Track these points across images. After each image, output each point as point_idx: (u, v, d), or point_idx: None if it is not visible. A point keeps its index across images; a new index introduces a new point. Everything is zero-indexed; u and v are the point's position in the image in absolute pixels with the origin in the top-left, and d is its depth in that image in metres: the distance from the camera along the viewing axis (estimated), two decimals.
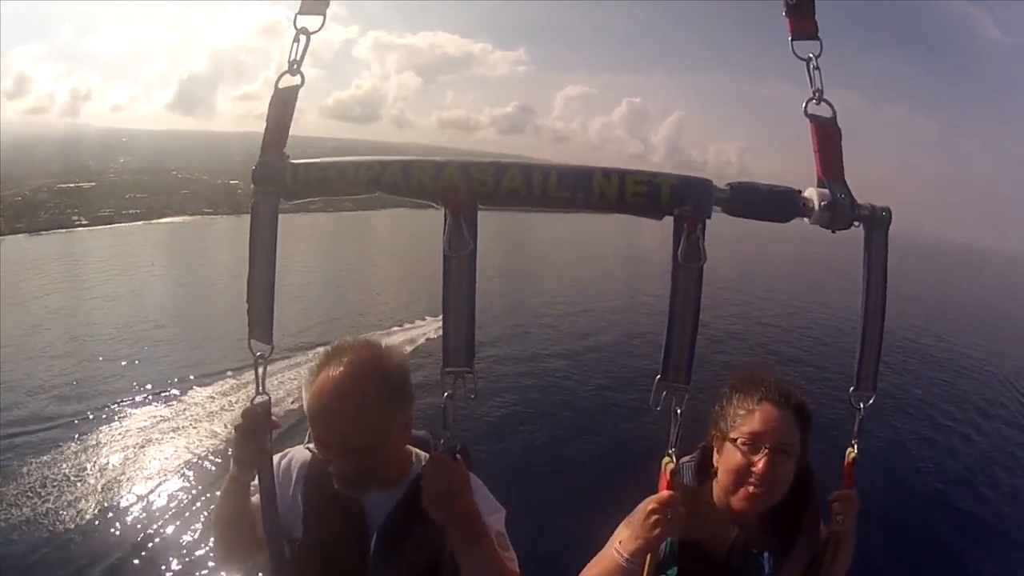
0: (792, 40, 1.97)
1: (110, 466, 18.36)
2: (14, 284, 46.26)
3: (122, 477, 17.56)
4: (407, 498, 2.22)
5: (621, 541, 2.14)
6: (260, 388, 2.09)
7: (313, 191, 1.93)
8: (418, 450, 2.41)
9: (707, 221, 1.77)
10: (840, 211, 1.85)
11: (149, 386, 24.68)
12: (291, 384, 20.63)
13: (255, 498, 2.25)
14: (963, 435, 22.44)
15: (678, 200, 1.74)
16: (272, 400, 2.15)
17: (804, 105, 1.95)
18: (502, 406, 23.28)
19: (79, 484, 17.05)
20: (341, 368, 2.08)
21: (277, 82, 2.04)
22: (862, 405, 2.04)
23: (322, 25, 2.06)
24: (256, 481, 2.21)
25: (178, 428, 20.98)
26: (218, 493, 2.40)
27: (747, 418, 2.27)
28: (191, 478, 17.48)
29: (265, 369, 2.06)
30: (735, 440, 2.26)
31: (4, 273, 50.05)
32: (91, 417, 21.90)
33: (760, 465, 2.18)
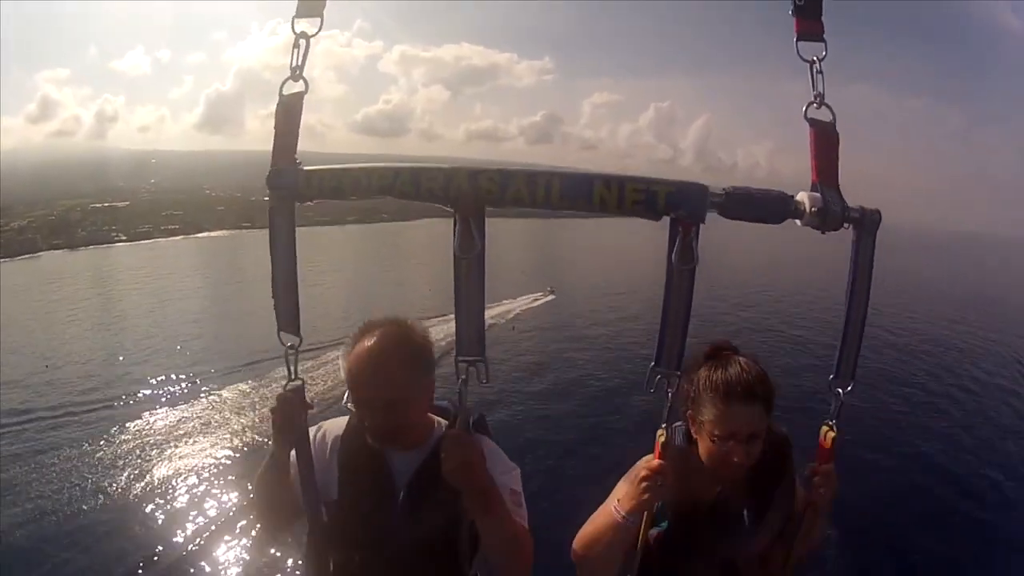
0: (797, 40, 2.02)
1: (141, 453, 19.27)
2: (61, 293, 48.51)
3: (151, 462, 18.41)
4: (429, 459, 2.43)
5: (619, 499, 2.37)
6: (293, 375, 2.30)
7: (326, 195, 2.05)
8: (438, 417, 2.64)
9: (702, 225, 1.88)
10: (831, 214, 1.91)
11: (188, 376, 26.29)
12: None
13: (293, 471, 2.46)
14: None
15: (674, 205, 1.84)
16: (306, 385, 2.36)
17: (804, 108, 2.01)
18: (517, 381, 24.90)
19: (109, 469, 17.99)
20: (375, 338, 2.34)
21: (281, 89, 2.14)
22: (840, 391, 2.16)
23: (320, 28, 2.15)
24: (294, 457, 2.44)
25: (211, 422, 21.80)
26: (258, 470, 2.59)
27: (719, 417, 2.44)
28: (216, 466, 18.12)
29: (296, 358, 2.28)
30: (711, 435, 2.46)
31: (49, 285, 52.58)
32: (131, 402, 23.42)
33: (737, 455, 2.41)
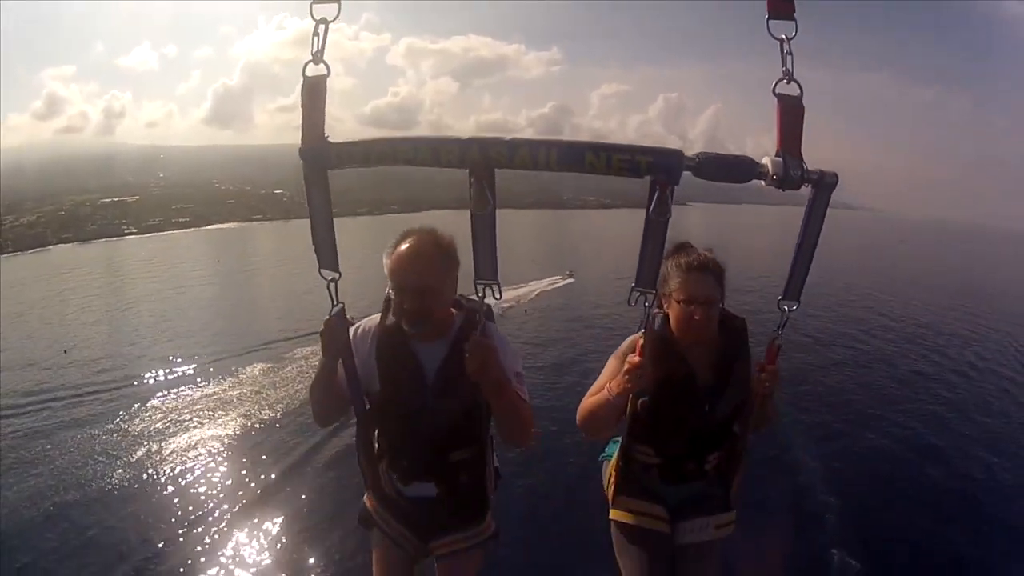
0: (768, 19, 2.13)
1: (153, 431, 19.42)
2: (73, 283, 48.98)
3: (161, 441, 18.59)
4: (452, 352, 2.90)
5: (609, 384, 2.96)
6: (335, 301, 2.66)
7: (356, 162, 2.33)
8: (456, 311, 3.04)
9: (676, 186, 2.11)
10: (789, 177, 2.09)
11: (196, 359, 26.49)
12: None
13: (340, 374, 2.88)
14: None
15: (653, 168, 2.06)
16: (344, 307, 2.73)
17: (773, 84, 2.13)
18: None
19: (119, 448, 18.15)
20: (412, 239, 2.79)
21: (303, 71, 2.26)
22: (787, 308, 2.53)
23: (338, 13, 2.25)
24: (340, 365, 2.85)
25: (228, 401, 21.79)
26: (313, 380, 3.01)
27: (682, 283, 3.02)
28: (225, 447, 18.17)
29: (336, 288, 2.60)
30: (677, 300, 3.04)
31: (61, 276, 53.15)
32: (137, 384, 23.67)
33: (698, 316, 2.99)
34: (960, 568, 11.57)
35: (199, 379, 23.94)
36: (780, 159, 2.08)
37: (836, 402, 20.06)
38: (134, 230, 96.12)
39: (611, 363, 3.15)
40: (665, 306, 3.16)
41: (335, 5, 2.23)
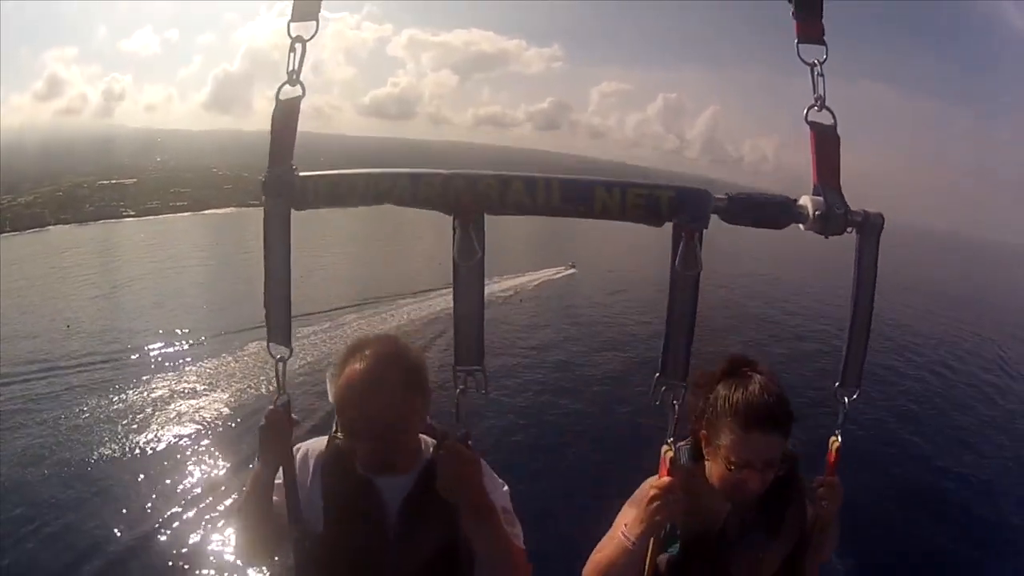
0: (798, 43, 2.02)
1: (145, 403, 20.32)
2: (72, 262, 49.79)
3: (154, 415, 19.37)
4: (419, 482, 2.39)
5: (627, 524, 2.37)
6: (282, 389, 2.26)
7: (323, 203, 2.02)
8: (427, 437, 2.58)
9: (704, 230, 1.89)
10: (833, 220, 1.90)
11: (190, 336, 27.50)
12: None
13: (276, 496, 2.41)
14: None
15: (676, 210, 1.85)
16: (291, 399, 2.33)
17: (805, 112, 2.00)
18: (510, 395, 24.97)
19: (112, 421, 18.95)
20: (365, 360, 2.29)
21: (277, 94, 2.10)
22: (846, 399, 2.15)
23: (316, 32, 2.10)
24: (279, 478, 2.39)
25: (221, 378, 22.88)
26: (243, 488, 2.59)
27: (737, 444, 2.41)
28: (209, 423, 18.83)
29: (285, 370, 2.23)
30: (727, 460, 2.44)
31: (60, 256, 54.04)
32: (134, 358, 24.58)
33: (751, 484, 2.42)
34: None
35: (193, 356, 25.11)
36: (820, 197, 1.93)
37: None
38: (132, 212, 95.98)
39: (626, 511, 2.54)
40: (707, 452, 2.59)
41: (313, 23, 2.09)
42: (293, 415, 2.33)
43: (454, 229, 1.88)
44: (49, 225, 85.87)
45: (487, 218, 1.91)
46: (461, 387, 1.98)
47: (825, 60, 2.00)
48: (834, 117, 2.00)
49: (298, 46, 2.08)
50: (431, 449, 2.51)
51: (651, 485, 2.25)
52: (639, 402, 21.39)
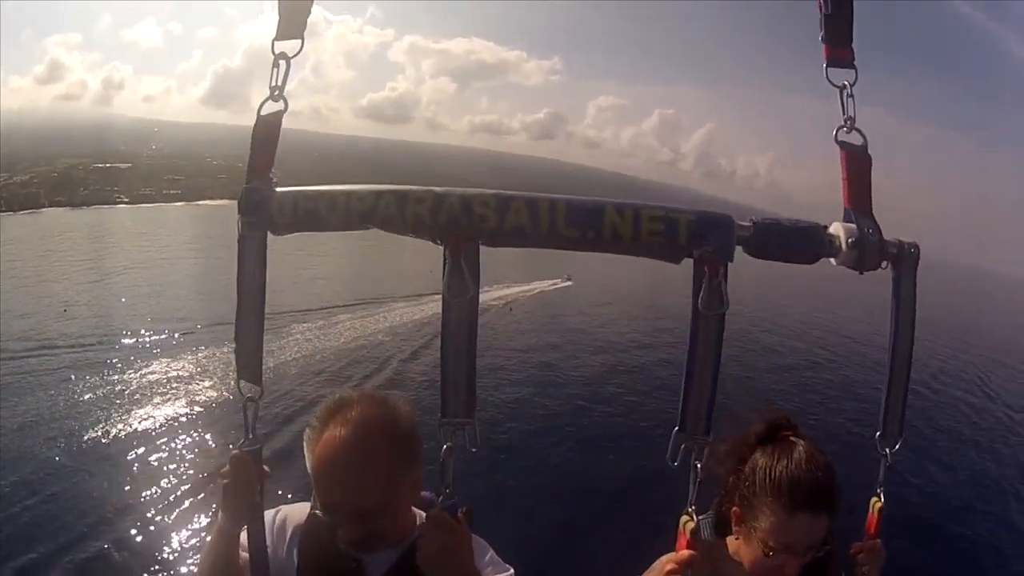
0: (827, 67, 1.97)
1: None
2: (64, 247, 50.13)
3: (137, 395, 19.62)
4: (405, 557, 2.15)
5: None
6: (251, 433, 1.95)
7: (302, 225, 1.85)
8: (420, 510, 2.29)
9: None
10: (868, 249, 1.77)
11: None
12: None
13: (244, 553, 2.10)
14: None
15: (697, 240, 1.67)
16: (263, 447, 2.01)
17: (835, 132, 1.93)
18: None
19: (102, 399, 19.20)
20: (347, 427, 2.04)
21: (260, 109, 2.02)
22: (888, 451, 1.94)
23: (300, 49, 2.03)
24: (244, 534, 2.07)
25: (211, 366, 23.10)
26: (206, 539, 2.22)
27: (779, 527, 2.14)
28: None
29: (256, 412, 1.93)
30: (765, 545, 2.17)
31: (54, 239, 54.35)
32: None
33: (789, 571, 2.16)
34: None
35: (187, 343, 25.09)
36: (853, 224, 1.79)
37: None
38: (125, 199, 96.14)
39: None
40: (737, 529, 2.32)
41: (298, 42, 2.01)
42: (265, 466, 2.00)
43: (444, 260, 1.69)
44: (44, 207, 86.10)
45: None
46: (448, 444, 1.71)
47: (855, 83, 1.95)
48: (864, 139, 1.92)
49: (282, 63, 2.00)
50: (423, 522, 2.11)
51: (668, 559, 2.00)
52: (619, 403, 21.77)
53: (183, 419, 18.06)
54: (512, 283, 45.13)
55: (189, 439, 16.75)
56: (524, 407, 22.42)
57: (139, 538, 12.53)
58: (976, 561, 14.71)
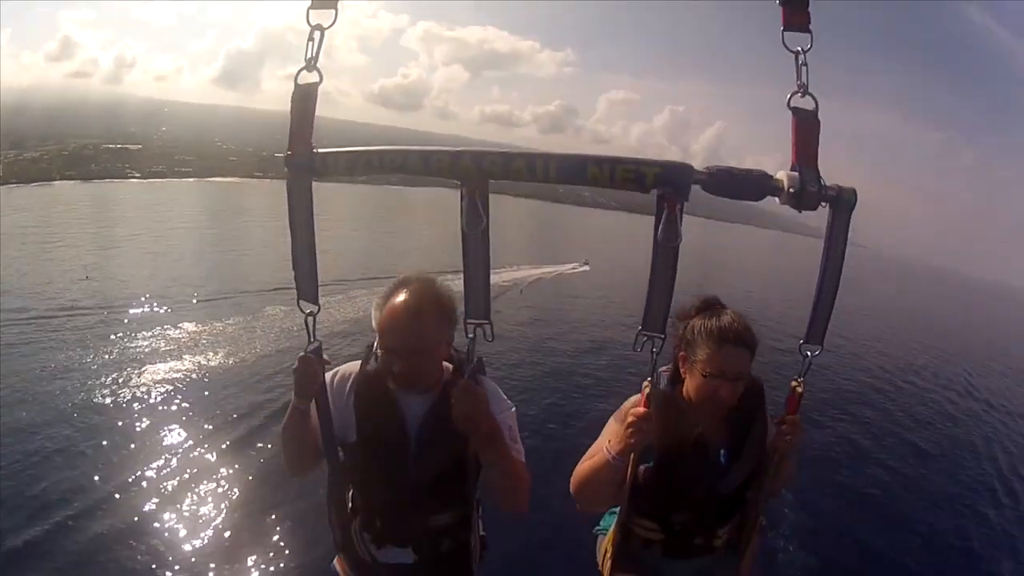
0: (783, 31, 2.06)
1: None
2: (81, 216, 51.23)
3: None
4: (438, 403, 2.78)
5: (609, 441, 2.75)
6: (312, 338, 2.60)
7: (341, 171, 2.23)
8: (448, 364, 2.96)
9: (686, 203, 2.04)
10: (807, 193, 2.02)
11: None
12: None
13: (313, 419, 2.80)
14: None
15: (661, 182, 1.98)
16: (323, 345, 2.72)
17: (788, 97, 2.07)
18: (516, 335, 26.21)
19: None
20: (408, 293, 2.67)
21: (296, 78, 2.24)
22: (809, 353, 2.37)
23: (335, 20, 2.22)
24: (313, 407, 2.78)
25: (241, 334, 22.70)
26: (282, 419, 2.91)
27: (712, 356, 2.82)
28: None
29: (315, 323, 2.54)
30: (703, 372, 2.85)
31: (67, 208, 55.83)
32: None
33: (724, 392, 2.80)
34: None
35: (206, 313, 25.02)
36: (796, 172, 2.03)
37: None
38: (137, 174, 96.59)
39: (611, 425, 2.98)
40: (684, 370, 3.02)
41: (331, 11, 2.22)
42: (324, 356, 2.74)
43: (462, 198, 2.06)
44: (55, 180, 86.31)
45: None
46: (471, 336, 2.26)
47: (810, 48, 2.09)
48: (816, 103, 2.08)
49: (317, 34, 2.21)
50: (450, 374, 2.92)
51: (630, 411, 2.64)
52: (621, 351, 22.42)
53: (192, 376, 18.13)
54: (526, 265, 45.61)
55: (202, 395, 16.81)
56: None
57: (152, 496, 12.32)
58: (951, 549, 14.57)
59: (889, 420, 22.35)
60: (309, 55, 2.21)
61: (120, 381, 17.40)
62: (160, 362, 19.25)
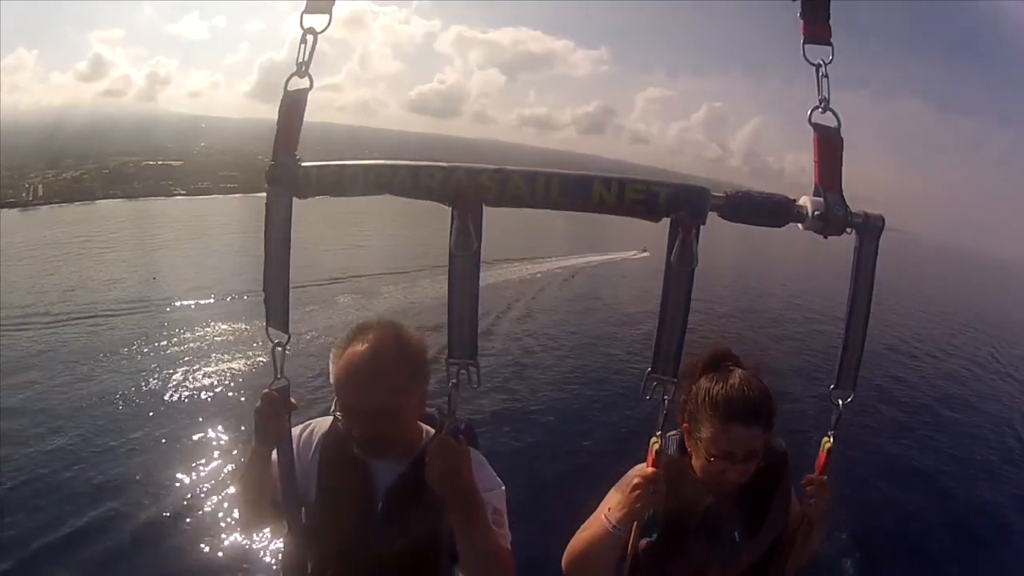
0: (804, 44, 2.05)
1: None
2: (129, 235, 53.79)
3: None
4: (412, 468, 2.50)
5: (610, 508, 2.50)
6: (279, 373, 2.36)
7: (325, 191, 2.09)
8: (427, 426, 2.73)
9: (702, 227, 1.93)
10: (832, 220, 1.94)
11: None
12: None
13: (276, 470, 2.53)
14: None
15: (675, 205, 1.89)
16: (290, 383, 2.43)
17: (809, 113, 2.03)
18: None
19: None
20: (367, 343, 2.41)
21: (286, 84, 2.17)
22: (840, 402, 2.20)
23: (328, 24, 2.17)
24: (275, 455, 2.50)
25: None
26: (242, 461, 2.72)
27: (716, 436, 2.54)
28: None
29: (284, 355, 2.31)
30: (708, 454, 2.58)
31: (112, 228, 57.94)
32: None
33: (732, 475, 2.54)
34: None
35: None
36: (820, 198, 1.97)
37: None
38: (182, 191, 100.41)
39: (611, 495, 2.66)
40: (688, 444, 2.74)
41: (326, 16, 2.18)
42: (292, 399, 2.47)
43: (452, 219, 1.93)
44: (98, 199, 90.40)
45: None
46: (454, 381, 2.03)
47: (831, 61, 2.04)
48: (838, 119, 2.03)
49: (309, 38, 2.15)
50: (429, 438, 2.63)
51: (635, 474, 2.39)
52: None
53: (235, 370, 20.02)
54: (583, 253, 46.79)
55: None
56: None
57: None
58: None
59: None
60: (301, 59, 2.17)
61: (177, 372, 19.69)
62: (217, 354, 21.66)
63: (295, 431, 2.64)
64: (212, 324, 25.30)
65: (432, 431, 2.69)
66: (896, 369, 28.14)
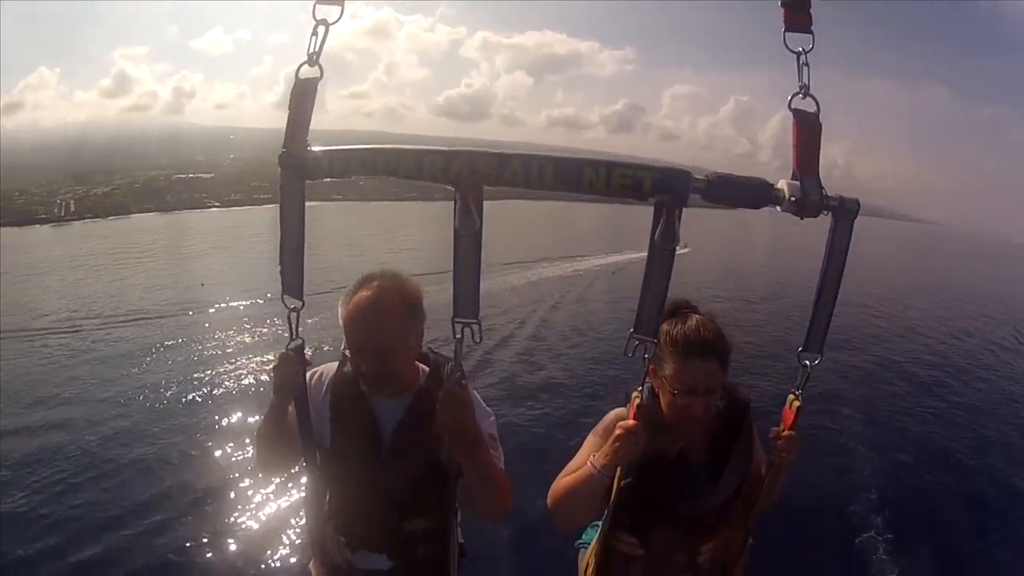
0: (785, 31, 2.14)
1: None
2: (165, 247, 54.95)
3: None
4: (413, 407, 2.84)
5: (594, 455, 2.70)
6: (294, 335, 2.60)
7: (335, 173, 2.25)
8: (423, 365, 3.00)
9: (684, 209, 2.08)
10: (808, 203, 2.07)
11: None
12: None
13: (292, 420, 2.78)
14: None
15: (659, 188, 2.04)
16: (305, 344, 2.68)
17: (789, 99, 2.15)
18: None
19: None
20: (371, 289, 2.68)
21: (296, 73, 2.31)
22: (807, 363, 2.37)
23: (340, 16, 2.30)
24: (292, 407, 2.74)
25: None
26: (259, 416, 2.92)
27: (677, 372, 2.73)
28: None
29: (298, 319, 2.54)
30: (671, 387, 2.76)
31: (149, 240, 59.29)
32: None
33: (696, 409, 2.72)
34: None
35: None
36: (796, 182, 2.09)
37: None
38: (216, 203, 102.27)
39: (591, 440, 2.94)
40: (656, 385, 2.92)
41: (338, 8, 2.30)
42: (306, 354, 2.71)
43: (455, 201, 2.07)
44: (132, 213, 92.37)
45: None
46: (458, 336, 2.20)
47: (811, 49, 2.14)
48: (818, 105, 2.15)
49: (321, 29, 2.28)
50: (426, 376, 2.95)
51: (618, 424, 2.61)
52: None
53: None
54: (623, 251, 47.07)
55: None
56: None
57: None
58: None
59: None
60: (312, 49, 2.31)
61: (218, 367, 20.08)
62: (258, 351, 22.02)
63: (306, 376, 2.82)
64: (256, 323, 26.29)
65: (426, 369, 2.99)
66: (921, 352, 27.66)
